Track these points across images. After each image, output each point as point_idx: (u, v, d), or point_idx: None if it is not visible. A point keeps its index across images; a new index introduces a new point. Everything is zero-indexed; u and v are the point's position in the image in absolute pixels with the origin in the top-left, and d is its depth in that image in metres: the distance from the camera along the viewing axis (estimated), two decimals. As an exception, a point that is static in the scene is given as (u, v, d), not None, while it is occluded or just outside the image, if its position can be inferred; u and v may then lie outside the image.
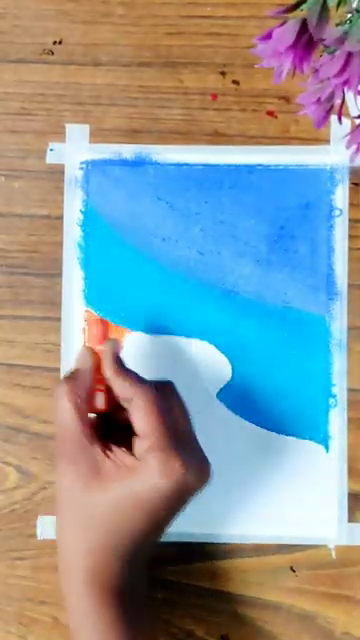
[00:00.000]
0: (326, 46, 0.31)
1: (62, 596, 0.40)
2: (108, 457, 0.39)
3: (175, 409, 0.41)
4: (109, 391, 0.41)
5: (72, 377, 0.41)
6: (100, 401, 0.41)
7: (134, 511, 0.38)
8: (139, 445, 0.39)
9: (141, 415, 0.39)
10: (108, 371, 0.41)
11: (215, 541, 0.46)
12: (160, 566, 0.46)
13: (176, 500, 0.38)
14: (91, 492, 0.39)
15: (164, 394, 0.41)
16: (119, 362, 0.41)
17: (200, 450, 0.41)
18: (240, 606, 0.46)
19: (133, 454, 0.39)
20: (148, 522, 0.39)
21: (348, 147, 0.35)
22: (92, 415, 0.41)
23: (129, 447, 0.40)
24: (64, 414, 0.40)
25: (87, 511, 0.39)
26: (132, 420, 0.39)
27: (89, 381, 0.41)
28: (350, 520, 0.46)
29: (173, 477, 0.38)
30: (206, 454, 0.40)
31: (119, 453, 0.39)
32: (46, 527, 0.46)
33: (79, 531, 0.39)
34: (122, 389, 0.40)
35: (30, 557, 0.46)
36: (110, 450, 0.39)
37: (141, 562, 0.40)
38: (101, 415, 0.42)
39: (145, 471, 0.38)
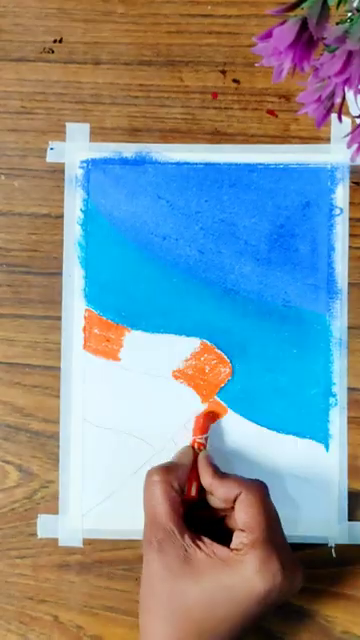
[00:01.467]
0: (326, 45, 0.31)
1: None
2: (199, 547, 0.39)
3: (273, 510, 0.41)
4: (199, 482, 0.42)
5: (169, 469, 0.41)
6: (193, 490, 0.42)
7: (224, 605, 0.38)
8: (239, 538, 0.39)
9: (250, 509, 0.39)
10: (208, 479, 0.42)
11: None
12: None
13: (268, 601, 0.38)
14: (181, 582, 0.38)
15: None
16: (217, 469, 0.42)
17: (294, 556, 0.40)
18: (240, 605, 0.46)
19: (227, 547, 0.39)
20: (236, 617, 0.38)
21: (349, 147, 0.35)
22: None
23: (214, 540, 0.40)
24: (155, 500, 0.40)
25: (176, 600, 0.38)
26: (237, 514, 0.39)
27: (185, 476, 0.42)
28: (350, 519, 0.46)
29: (270, 578, 0.37)
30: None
31: (211, 545, 0.39)
32: (46, 526, 0.46)
33: (165, 620, 0.38)
34: (229, 490, 0.40)
35: (30, 556, 0.46)
36: (201, 541, 0.39)
37: None
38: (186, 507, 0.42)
39: (243, 566, 0.38)
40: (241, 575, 0.38)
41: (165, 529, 0.39)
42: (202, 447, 0.44)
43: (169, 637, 0.38)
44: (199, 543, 0.39)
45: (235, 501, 0.40)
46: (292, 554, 0.40)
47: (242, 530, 0.39)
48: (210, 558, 0.39)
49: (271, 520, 0.39)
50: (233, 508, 0.41)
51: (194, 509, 0.42)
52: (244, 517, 0.39)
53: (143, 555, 0.40)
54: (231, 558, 0.38)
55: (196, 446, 0.44)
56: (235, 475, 0.42)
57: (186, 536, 0.39)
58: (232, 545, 0.39)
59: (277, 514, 0.41)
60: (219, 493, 0.41)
